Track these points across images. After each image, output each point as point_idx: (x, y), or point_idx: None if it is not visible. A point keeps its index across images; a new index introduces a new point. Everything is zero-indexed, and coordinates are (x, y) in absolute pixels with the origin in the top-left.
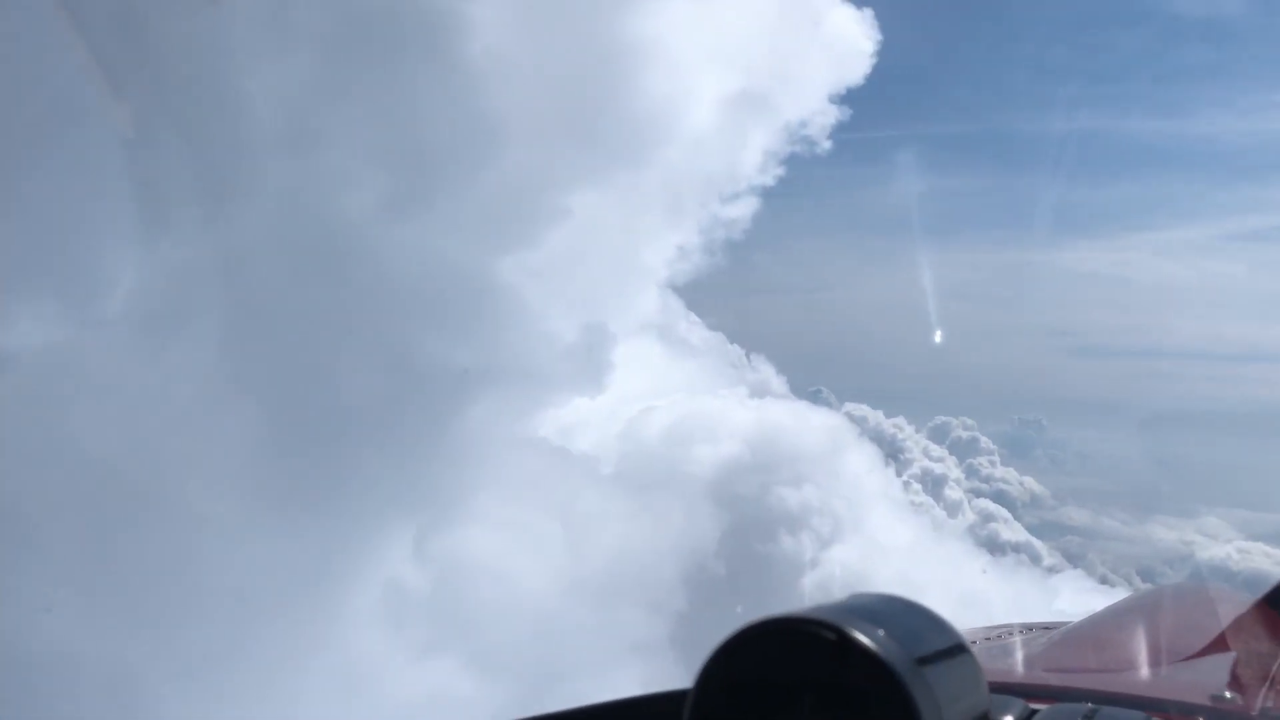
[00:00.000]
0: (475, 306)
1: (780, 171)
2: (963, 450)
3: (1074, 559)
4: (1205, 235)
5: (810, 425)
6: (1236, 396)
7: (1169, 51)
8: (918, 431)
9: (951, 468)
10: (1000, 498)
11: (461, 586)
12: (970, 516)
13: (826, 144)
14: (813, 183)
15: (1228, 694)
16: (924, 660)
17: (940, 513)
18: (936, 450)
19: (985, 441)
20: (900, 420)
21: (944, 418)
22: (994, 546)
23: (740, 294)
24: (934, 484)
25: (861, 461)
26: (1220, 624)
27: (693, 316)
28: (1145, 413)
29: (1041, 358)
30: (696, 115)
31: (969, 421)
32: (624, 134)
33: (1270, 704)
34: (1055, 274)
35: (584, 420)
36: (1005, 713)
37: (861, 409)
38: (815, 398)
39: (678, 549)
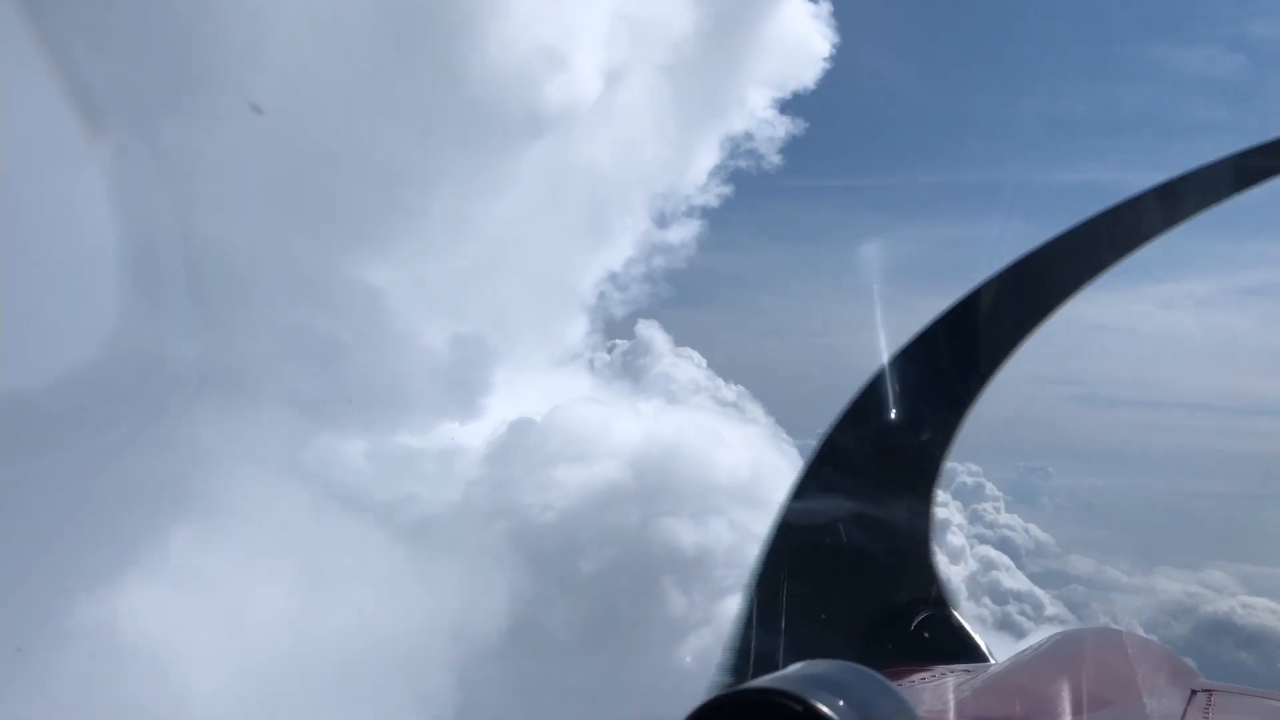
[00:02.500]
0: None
1: (791, 220)
2: (967, 496)
3: (1077, 608)
4: (1212, 289)
5: (730, 440)
6: (1242, 450)
7: (1176, 107)
8: None
9: (955, 513)
10: (1004, 544)
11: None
12: (972, 564)
13: (839, 190)
14: (822, 231)
15: None
16: None
17: (942, 558)
18: (941, 495)
19: (990, 488)
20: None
21: (949, 464)
22: (996, 595)
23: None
24: (938, 529)
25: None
26: (1135, 671)
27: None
28: (1151, 463)
29: (1049, 406)
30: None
31: (974, 468)
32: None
33: None
34: (1062, 323)
35: (445, 447)
36: None
37: None
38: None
39: (482, 610)
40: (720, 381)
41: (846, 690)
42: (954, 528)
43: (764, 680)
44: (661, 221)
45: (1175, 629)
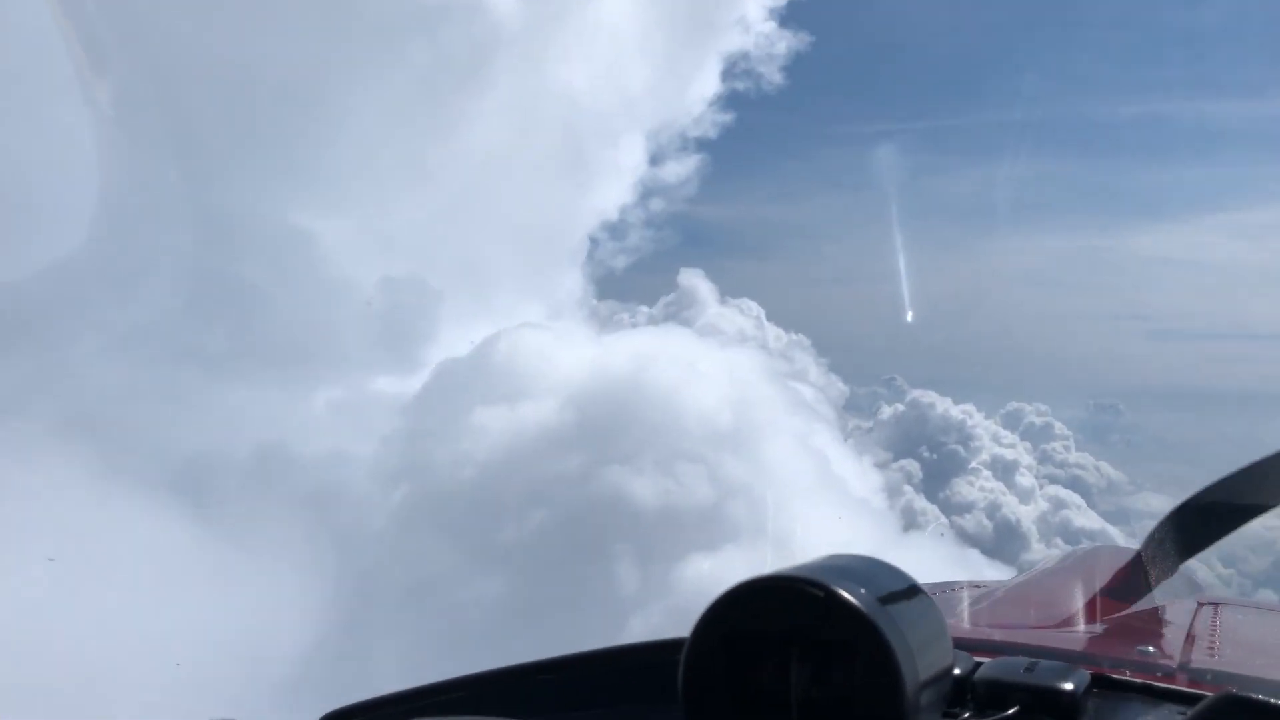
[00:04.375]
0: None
1: (851, 167)
2: (1036, 436)
3: None
4: (1276, 215)
5: (731, 375)
6: None
7: (1240, 32)
8: (988, 418)
9: (1023, 454)
10: (1075, 484)
11: None
12: (1042, 504)
13: (901, 133)
14: (880, 171)
15: (1151, 649)
16: (900, 616)
17: (1011, 498)
18: (1008, 437)
19: (1059, 427)
20: (969, 407)
21: (1017, 404)
22: (1067, 534)
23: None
24: (1004, 470)
25: (793, 432)
26: (1145, 584)
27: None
28: (1223, 396)
29: (1117, 342)
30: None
31: (1043, 408)
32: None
33: (1188, 658)
34: (1128, 259)
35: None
36: (956, 665)
37: (929, 396)
38: (889, 385)
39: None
40: (777, 330)
41: (869, 580)
42: (1023, 468)
43: (788, 569)
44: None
45: (1254, 563)
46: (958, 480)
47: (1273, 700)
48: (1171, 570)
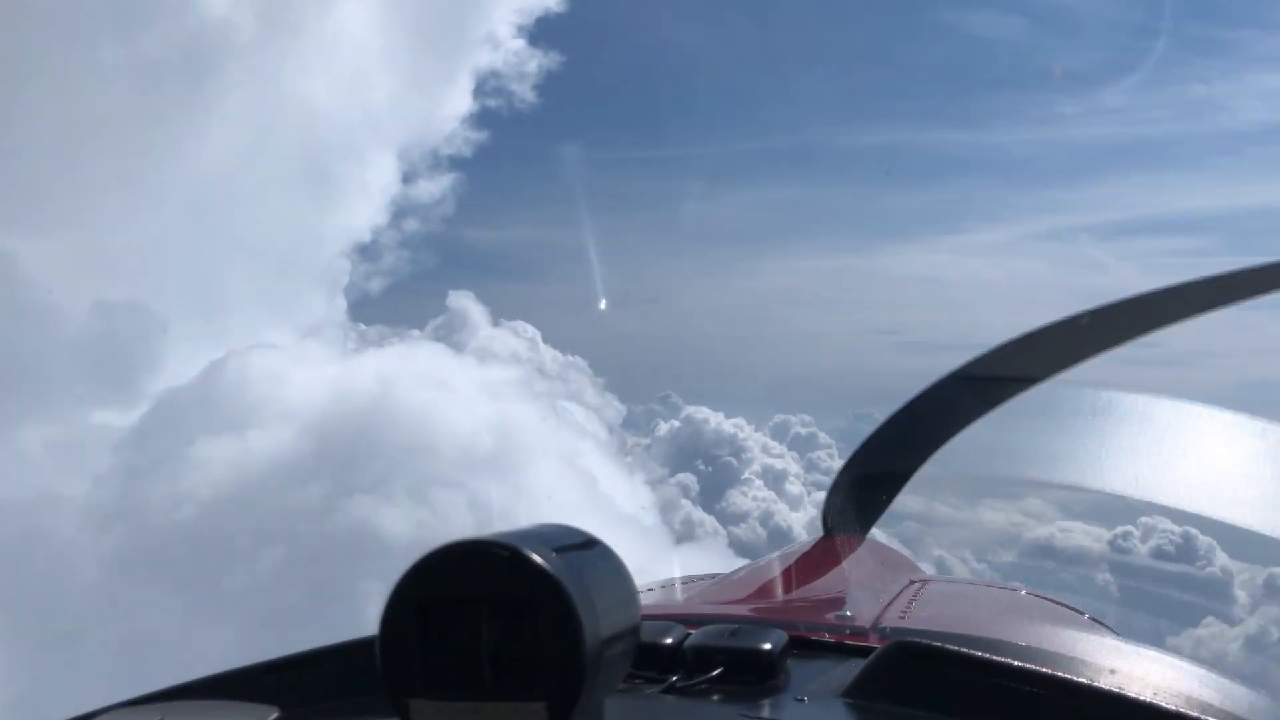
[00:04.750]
0: None
1: (618, 182)
2: (802, 446)
3: (911, 543)
4: (1007, 237)
5: (491, 395)
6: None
7: (967, 67)
8: (758, 431)
9: (791, 463)
10: None
11: None
12: (810, 510)
13: (665, 160)
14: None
15: (849, 614)
16: (585, 576)
17: (783, 506)
18: (777, 448)
19: (823, 437)
20: (740, 421)
21: (783, 416)
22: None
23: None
24: (775, 480)
25: (560, 453)
26: (852, 565)
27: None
28: None
29: (871, 355)
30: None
31: (807, 419)
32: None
33: (881, 621)
34: (878, 277)
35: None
36: (666, 635)
37: (703, 411)
38: (665, 403)
39: None
40: (554, 352)
41: (560, 544)
42: (791, 477)
43: (484, 535)
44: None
45: (1003, 556)
46: (732, 491)
47: (935, 643)
48: (859, 538)
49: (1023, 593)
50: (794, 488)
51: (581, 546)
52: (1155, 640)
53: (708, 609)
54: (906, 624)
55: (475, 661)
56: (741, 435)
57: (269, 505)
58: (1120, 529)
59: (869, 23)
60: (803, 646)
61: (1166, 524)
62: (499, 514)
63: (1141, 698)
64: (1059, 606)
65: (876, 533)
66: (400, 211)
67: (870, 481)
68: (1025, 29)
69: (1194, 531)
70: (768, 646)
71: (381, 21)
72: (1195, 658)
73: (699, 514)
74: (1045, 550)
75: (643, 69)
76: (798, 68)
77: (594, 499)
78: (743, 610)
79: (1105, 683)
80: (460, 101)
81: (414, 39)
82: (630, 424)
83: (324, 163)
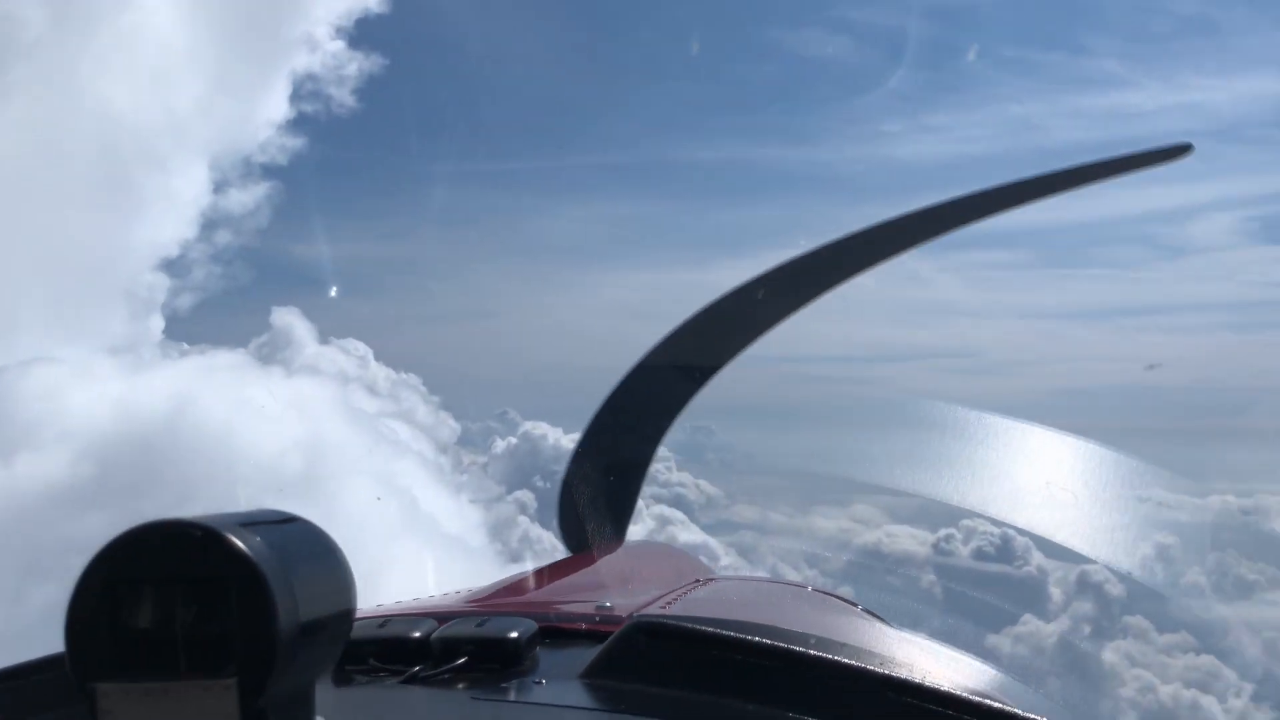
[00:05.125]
0: None
1: (448, 201)
2: None
3: (747, 552)
4: None
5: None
6: (874, 393)
7: (798, 85)
8: None
9: None
10: (678, 501)
11: None
12: (649, 523)
13: (499, 173)
14: (485, 212)
15: (609, 604)
16: (285, 557)
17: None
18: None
19: (661, 450)
20: (578, 436)
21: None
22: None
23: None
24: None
25: (378, 473)
26: (658, 567)
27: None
28: (802, 412)
29: None
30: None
31: None
32: None
33: (641, 609)
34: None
35: None
36: (415, 629)
37: (541, 427)
38: (502, 419)
39: None
40: (387, 370)
41: (266, 528)
42: None
43: (185, 517)
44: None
45: (833, 561)
46: None
47: (671, 622)
48: (654, 543)
49: (809, 590)
50: None
51: (282, 526)
52: (977, 640)
53: (464, 605)
54: (667, 613)
55: (167, 642)
56: None
57: (39, 536)
58: (943, 532)
59: (704, 39)
60: (556, 635)
61: (986, 526)
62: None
63: (866, 667)
64: (835, 599)
65: (709, 540)
66: (213, 223)
67: (602, 489)
68: (853, 48)
69: (1011, 533)
70: (514, 635)
71: (187, 19)
72: (1014, 656)
73: (537, 530)
74: (874, 554)
75: (476, 79)
76: (634, 81)
77: (415, 519)
78: (504, 605)
79: (838, 656)
80: (277, 106)
81: (223, 38)
82: (466, 441)
83: (124, 170)
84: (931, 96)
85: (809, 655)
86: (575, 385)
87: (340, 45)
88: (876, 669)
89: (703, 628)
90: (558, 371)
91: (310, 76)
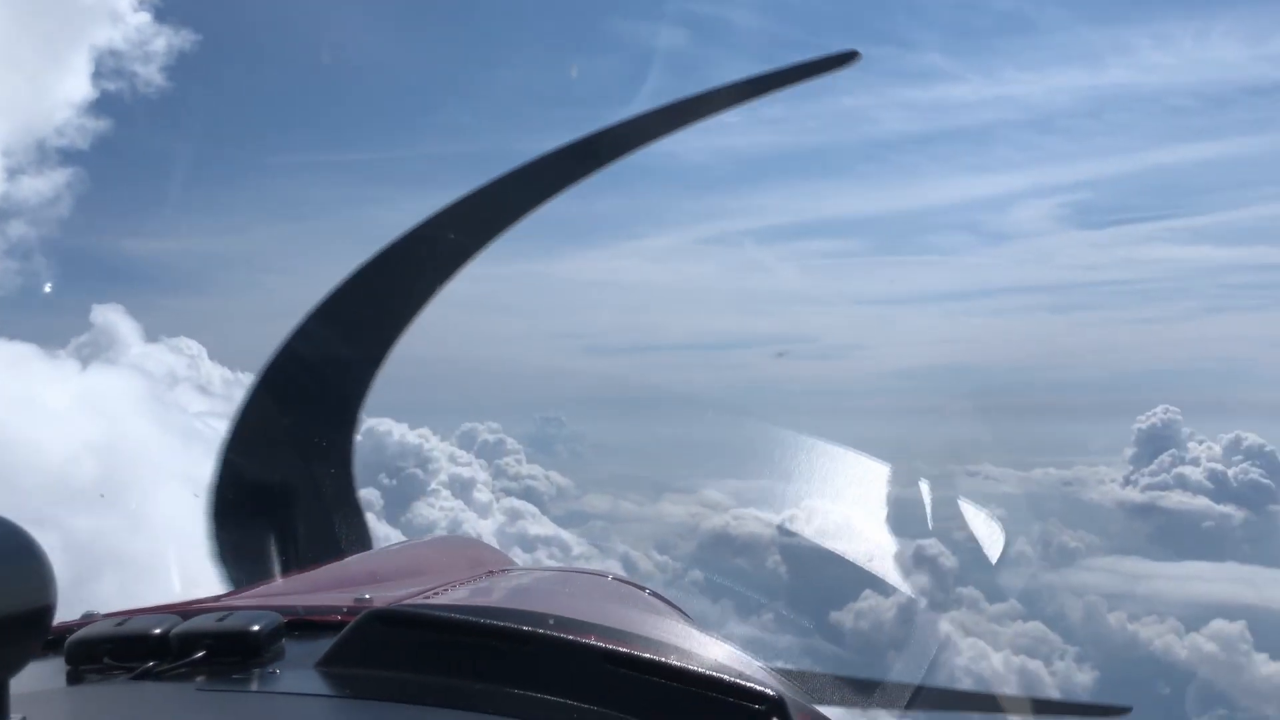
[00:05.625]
0: None
1: (281, 192)
2: (490, 453)
3: (599, 541)
4: (679, 241)
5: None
6: (720, 380)
7: (636, 77)
8: (444, 440)
9: (479, 471)
10: (528, 494)
11: None
12: (500, 517)
13: (331, 164)
14: (322, 203)
15: (367, 595)
16: None
17: (471, 514)
18: (464, 456)
19: (511, 442)
20: (425, 431)
21: (471, 424)
22: (524, 542)
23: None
24: (463, 488)
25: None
26: (451, 559)
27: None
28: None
29: (556, 360)
30: None
31: (494, 425)
32: None
33: (405, 603)
34: (561, 282)
35: None
36: (154, 626)
37: (386, 423)
38: None
39: None
40: (223, 369)
41: None
42: (479, 485)
43: None
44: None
45: (683, 547)
46: (419, 503)
47: (407, 609)
48: (452, 537)
49: (608, 579)
50: (482, 495)
51: None
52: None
53: (209, 602)
54: (427, 602)
55: None
56: (427, 445)
57: None
58: (788, 513)
59: (546, 30)
60: (307, 628)
61: (828, 505)
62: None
63: (587, 643)
64: (626, 587)
65: (560, 532)
66: (3, 213)
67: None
68: (691, 40)
69: (852, 511)
70: (255, 628)
71: None
72: (856, 630)
73: (384, 528)
74: (722, 538)
75: (309, 64)
76: (475, 71)
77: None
78: (267, 600)
79: (571, 634)
80: (75, 85)
81: (8, 8)
82: None
83: None
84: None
85: (534, 634)
86: (419, 380)
87: (145, 18)
88: (601, 644)
89: (437, 614)
90: (400, 366)
91: (113, 52)
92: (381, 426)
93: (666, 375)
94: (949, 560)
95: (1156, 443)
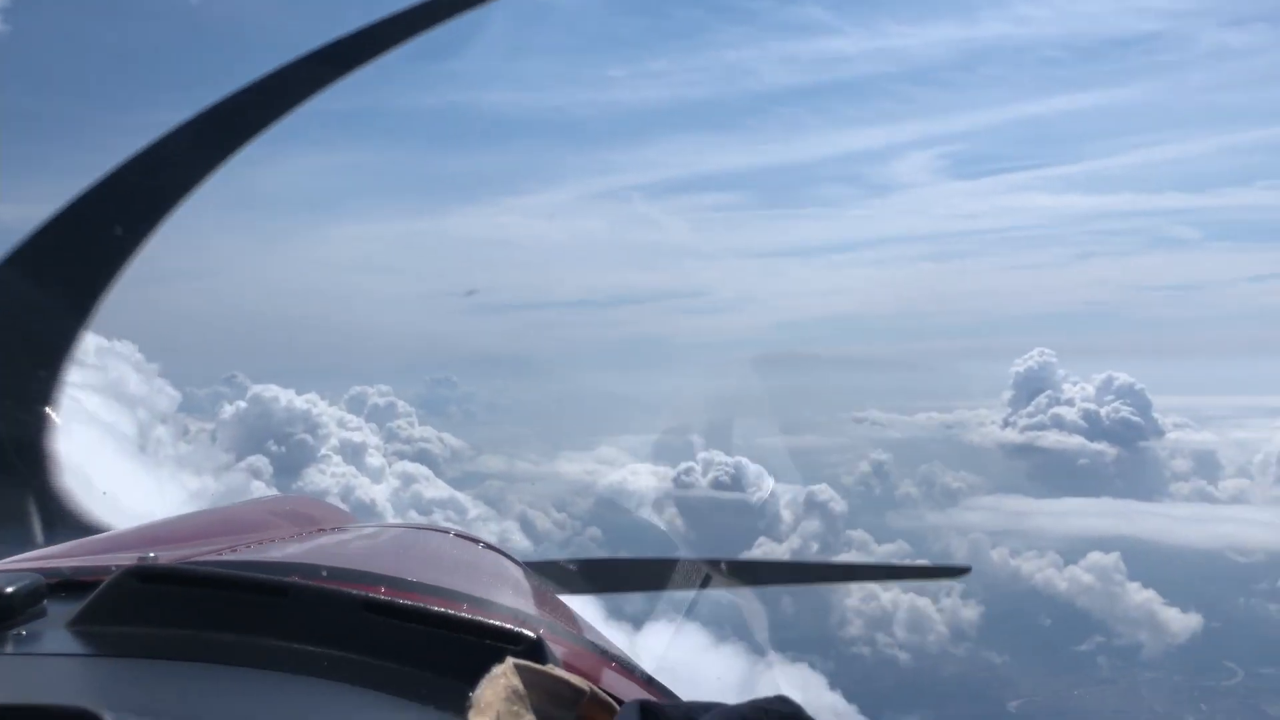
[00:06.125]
0: None
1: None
2: (381, 416)
3: (495, 503)
4: (567, 197)
5: None
6: (613, 336)
7: (524, 32)
8: (332, 405)
9: (370, 435)
10: (422, 457)
11: None
12: (393, 482)
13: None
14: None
15: (152, 554)
16: None
17: (364, 480)
18: (354, 421)
19: (402, 405)
20: (313, 396)
21: (360, 387)
22: (420, 506)
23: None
24: (354, 454)
25: None
26: (292, 519)
27: None
28: (545, 359)
29: (445, 319)
30: None
31: (385, 388)
32: None
33: (194, 560)
34: (446, 240)
35: None
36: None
37: (272, 389)
38: (231, 383)
39: None
40: (98, 339)
41: None
42: (371, 449)
43: None
44: None
45: (580, 504)
46: (309, 470)
47: (164, 565)
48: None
49: (450, 535)
50: (374, 460)
51: None
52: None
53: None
54: (217, 559)
55: None
56: (315, 411)
57: None
58: (683, 465)
59: None
60: (71, 588)
61: (722, 457)
62: None
63: (348, 592)
64: (462, 541)
65: (455, 494)
66: None
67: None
68: None
69: (745, 461)
70: (9, 590)
71: None
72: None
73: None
74: (619, 493)
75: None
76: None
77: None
78: (38, 563)
79: (343, 586)
80: None
81: None
82: (192, 408)
83: None
84: (653, 43)
85: (290, 584)
86: (303, 344)
87: None
88: (359, 593)
89: (193, 568)
90: (287, 330)
91: None
92: (268, 393)
93: (559, 333)
94: (838, 505)
95: (1033, 385)
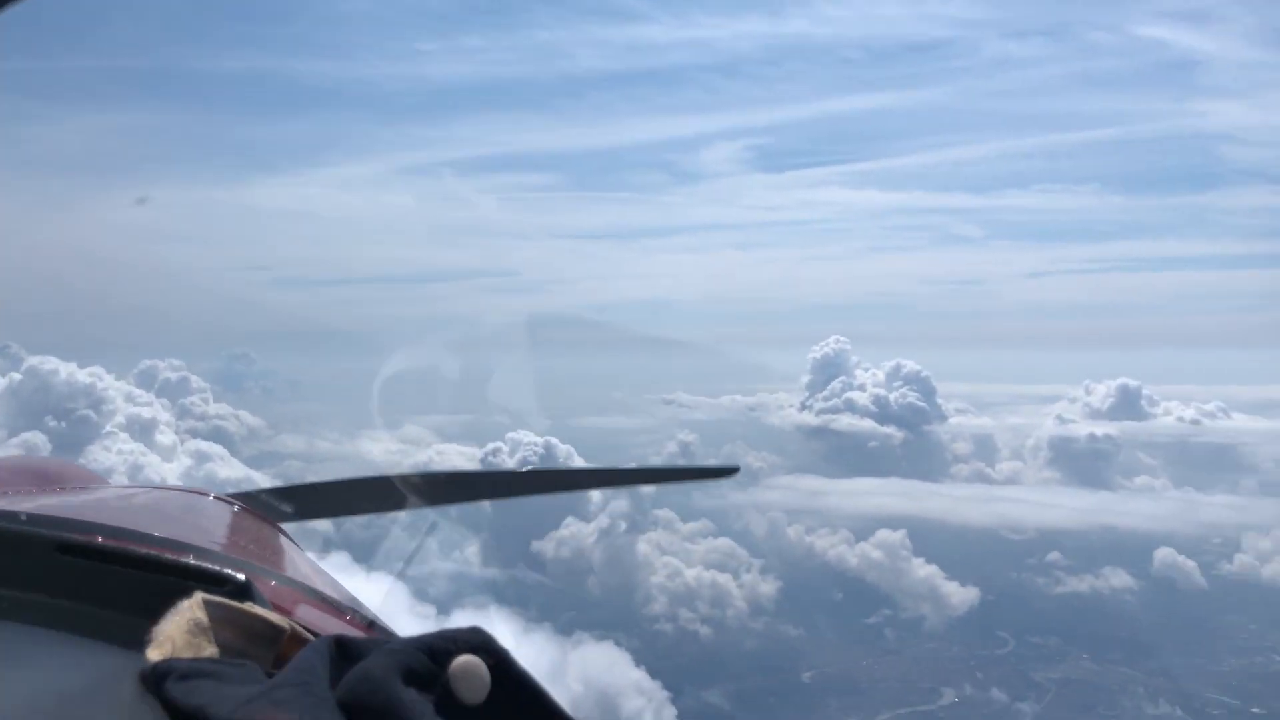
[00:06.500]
0: None
1: None
2: (173, 392)
3: (292, 481)
4: (377, 170)
5: None
6: (419, 313)
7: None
8: (119, 379)
9: (161, 411)
10: (217, 435)
11: None
12: (186, 460)
13: None
14: None
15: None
16: None
17: (154, 458)
18: (143, 396)
19: (196, 380)
20: (98, 369)
21: (150, 361)
22: (214, 485)
23: None
24: (143, 430)
25: None
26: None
27: None
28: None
29: (242, 293)
30: None
31: (177, 362)
32: None
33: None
34: (244, 211)
35: None
36: None
37: (51, 361)
38: (3, 354)
39: None
40: None
41: None
42: (162, 426)
43: None
44: None
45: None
46: (93, 447)
47: None
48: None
49: (209, 497)
50: (165, 437)
51: None
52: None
53: None
54: None
55: None
56: (100, 385)
57: None
58: (491, 446)
59: None
60: None
61: (530, 437)
62: None
63: (43, 533)
64: (214, 502)
65: (251, 473)
66: None
67: None
68: None
69: (554, 441)
70: None
71: None
72: (558, 559)
73: None
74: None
75: None
76: None
77: None
78: None
79: (41, 530)
80: None
81: None
82: None
83: None
84: (467, 18)
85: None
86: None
87: None
88: (54, 534)
89: None
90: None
91: None
92: (46, 365)
93: (363, 309)
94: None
95: (828, 370)
